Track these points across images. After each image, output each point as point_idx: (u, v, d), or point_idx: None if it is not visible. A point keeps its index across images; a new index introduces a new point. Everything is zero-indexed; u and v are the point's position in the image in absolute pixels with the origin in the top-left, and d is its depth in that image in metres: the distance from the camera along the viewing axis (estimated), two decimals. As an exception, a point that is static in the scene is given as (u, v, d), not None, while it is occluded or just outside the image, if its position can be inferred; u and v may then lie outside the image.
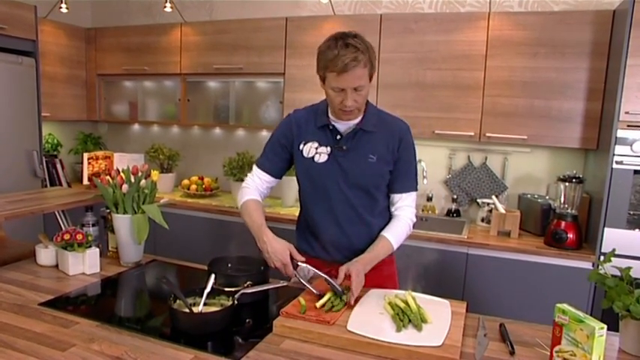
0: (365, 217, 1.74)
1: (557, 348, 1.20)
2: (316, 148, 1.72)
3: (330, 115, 1.72)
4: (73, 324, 1.38)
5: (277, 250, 1.60)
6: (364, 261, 1.61)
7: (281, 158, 1.80)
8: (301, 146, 1.74)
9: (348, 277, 1.53)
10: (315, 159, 1.72)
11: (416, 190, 1.79)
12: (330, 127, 1.71)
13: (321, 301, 1.48)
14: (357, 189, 1.71)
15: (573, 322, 1.16)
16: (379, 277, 1.71)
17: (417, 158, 1.83)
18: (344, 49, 1.51)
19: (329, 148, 1.71)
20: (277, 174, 1.84)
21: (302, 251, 1.79)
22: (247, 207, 1.77)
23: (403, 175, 1.74)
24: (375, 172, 1.70)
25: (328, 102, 1.68)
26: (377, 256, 1.67)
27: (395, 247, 1.71)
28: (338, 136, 1.70)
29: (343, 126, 1.70)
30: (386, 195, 1.78)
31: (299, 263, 1.59)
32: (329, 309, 1.45)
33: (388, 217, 1.79)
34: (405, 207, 1.76)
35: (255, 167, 1.85)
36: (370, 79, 1.59)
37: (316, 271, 1.56)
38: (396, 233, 1.72)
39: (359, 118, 1.70)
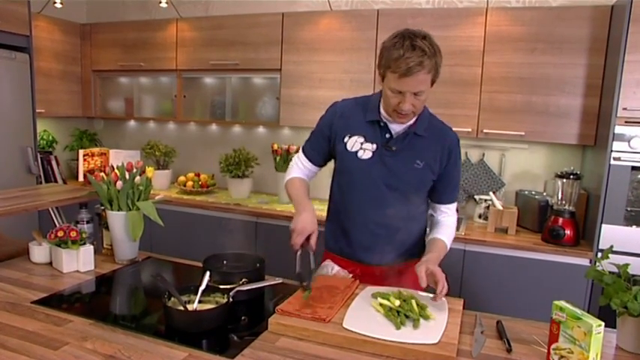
0: (397, 221, 1.67)
1: (554, 345, 1.20)
2: (361, 143, 1.64)
3: (382, 111, 1.63)
4: (66, 322, 1.37)
5: (300, 221, 1.55)
6: (434, 260, 1.56)
7: (322, 148, 1.76)
8: (346, 139, 1.67)
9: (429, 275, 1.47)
10: (359, 154, 1.64)
11: (455, 201, 1.77)
12: (382, 124, 1.63)
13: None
14: (396, 192, 1.64)
15: (571, 320, 1.16)
16: (410, 280, 1.65)
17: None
18: (410, 51, 1.42)
19: (375, 146, 1.63)
20: (319, 163, 1.81)
21: (329, 249, 1.78)
22: (292, 182, 1.76)
23: (451, 187, 1.72)
24: (418, 179, 1.65)
25: (384, 100, 1.59)
26: (440, 256, 1.63)
27: (448, 249, 1.69)
28: (388, 135, 1.63)
29: (397, 126, 1.63)
30: (423, 201, 1.74)
31: (307, 249, 1.54)
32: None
33: (423, 224, 1.77)
34: (451, 215, 1.75)
35: (300, 151, 1.83)
36: (432, 84, 1.51)
37: (316, 269, 1.54)
38: (449, 237, 1.71)
39: (412, 120, 1.62)
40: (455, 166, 1.69)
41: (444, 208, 1.74)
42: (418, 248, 1.75)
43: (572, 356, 1.15)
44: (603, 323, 1.13)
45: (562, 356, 1.18)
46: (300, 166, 1.81)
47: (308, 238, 1.54)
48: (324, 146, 1.75)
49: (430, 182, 1.68)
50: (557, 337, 1.19)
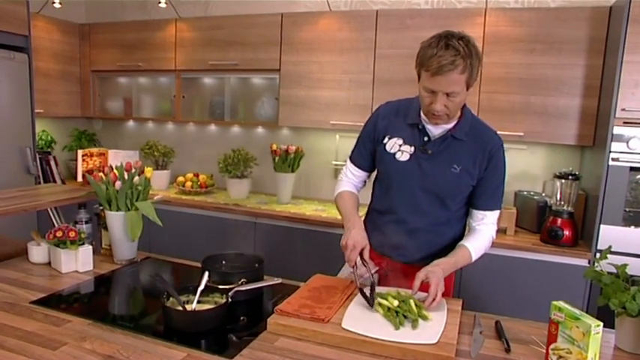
0: (432, 225, 1.66)
1: (552, 346, 1.20)
2: (400, 145, 1.64)
3: (422, 114, 1.62)
4: (64, 322, 1.37)
5: (351, 237, 1.55)
6: (444, 265, 1.53)
7: (369, 152, 1.75)
8: (385, 139, 1.67)
9: (426, 284, 1.45)
10: (397, 156, 1.64)
11: (500, 208, 1.69)
12: (420, 127, 1.62)
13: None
14: (431, 196, 1.62)
15: (569, 320, 1.16)
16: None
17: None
18: (443, 50, 1.41)
19: (413, 148, 1.62)
20: (369, 168, 1.79)
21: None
22: (341, 197, 1.76)
23: (490, 193, 1.65)
24: (455, 184, 1.60)
25: (420, 101, 1.58)
26: (456, 262, 1.59)
27: (474, 259, 1.62)
28: (426, 138, 1.61)
29: (435, 129, 1.61)
30: (461, 206, 1.69)
31: (362, 264, 1.55)
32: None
33: (459, 229, 1.72)
34: (488, 224, 1.67)
35: (348, 161, 1.83)
36: (468, 87, 1.48)
37: (366, 283, 1.53)
38: (477, 245, 1.62)
39: (452, 124, 1.60)
40: (495, 170, 1.62)
41: (479, 214, 1.67)
42: (448, 252, 1.70)
43: (571, 356, 1.15)
44: (602, 323, 1.13)
45: (561, 356, 1.18)
46: (348, 176, 1.81)
47: (361, 253, 1.55)
48: (370, 150, 1.74)
49: (468, 188, 1.63)
50: (556, 337, 1.19)
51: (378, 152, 1.70)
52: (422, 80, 1.50)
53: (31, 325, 1.33)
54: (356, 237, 1.55)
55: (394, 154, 1.65)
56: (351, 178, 1.81)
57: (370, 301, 1.45)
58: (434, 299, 1.41)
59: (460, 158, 1.59)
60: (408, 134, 1.64)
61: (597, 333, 1.12)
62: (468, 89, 1.49)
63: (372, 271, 1.68)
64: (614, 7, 2.51)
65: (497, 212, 1.68)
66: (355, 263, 1.54)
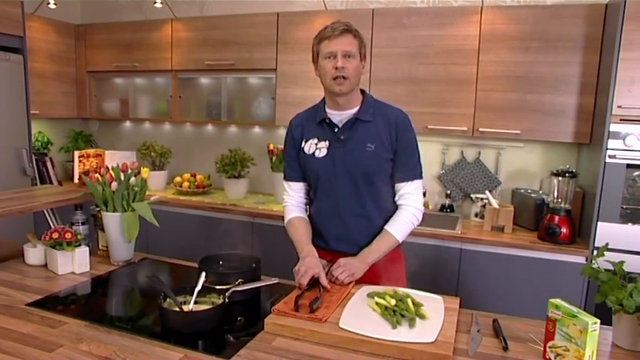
0: (367, 210, 1.74)
1: (550, 343, 1.20)
2: (316, 144, 1.76)
3: (327, 108, 1.76)
4: (61, 324, 1.36)
5: (304, 264, 1.61)
6: (362, 257, 1.67)
7: (298, 162, 1.83)
8: (303, 144, 1.79)
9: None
10: (316, 154, 1.75)
11: (420, 177, 1.77)
12: (327, 121, 1.74)
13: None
14: (358, 179, 1.71)
15: (567, 317, 1.16)
16: (387, 279, 1.73)
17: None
18: (336, 24, 1.65)
19: (327, 142, 1.74)
20: (302, 178, 1.86)
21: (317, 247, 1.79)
22: (291, 225, 1.84)
23: (404, 164, 1.73)
24: (374, 160, 1.70)
25: (323, 81, 1.70)
26: (378, 249, 1.69)
27: (399, 239, 1.72)
28: (335, 129, 1.73)
29: (339, 117, 1.74)
30: (389, 186, 1.77)
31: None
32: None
33: (393, 211, 1.78)
34: (407, 195, 1.75)
35: (284, 183, 1.90)
36: (361, 56, 1.68)
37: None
38: (399, 226, 1.72)
39: (356, 108, 1.72)
40: (405, 138, 1.72)
41: (398, 187, 1.76)
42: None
43: (568, 354, 1.16)
44: (599, 321, 1.13)
45: (558, 354, 1.18)
46: (291, 195, 1.89)
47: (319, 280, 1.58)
48: (296, 160, 1.83)
49: (388, 162, 1.72)
50: (554, 334, 1.19)
51: (301, 159, 1.80)
52: (321, 52, 1.67)
53: (27, 328, 1.33)
54: (309, 264, 1.61)
55: (313, 153, 1.76)
56: (293, 196, 1.88)
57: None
58: (332, 281, 1.58)
59: (371, 137, 1.70)
60: (320, 132, 1.76)
61: (594, 330, 1.12)
62: (361, 60, 1.69)
63: (327, 269, 1.70)
64: (610, 4, 2.52)
65: (416, 182, 1.76)
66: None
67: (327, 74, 1.67)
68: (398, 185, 1.76)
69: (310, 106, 1.86)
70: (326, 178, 1.75)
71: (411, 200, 1.75)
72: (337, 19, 1.76)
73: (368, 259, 1.67)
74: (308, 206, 1.91)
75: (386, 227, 1.73)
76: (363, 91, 1.77)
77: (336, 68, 1.63)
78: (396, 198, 1.77)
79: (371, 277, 1.69)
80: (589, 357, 1.13)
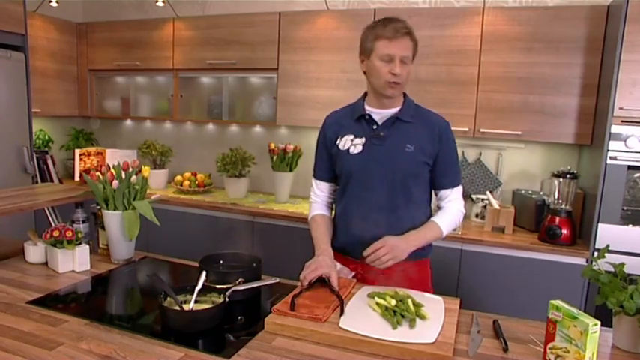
0: (398, 212, 1.68)
1: (550, 344, 1.20)
2: (352, 140, 1.71)
3: (366, 105, 1.72)
4: (61, 322, 1.36)
5: (315, 261, 1.59)
6: (409, 240, 1.61)
7: (327, 162, 1.81)
8: (338, 141, 1.74)
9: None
10: (351, 150, 1.70)
11: (460, 184, 1.76)
12: (367, 117, 1.70)
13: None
14: (392, 181, 1.66)
15: (567, 319, 1.16)
16: (412, 281, 1.66)
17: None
18: (394, 22, 1.59)
19: (364, 139, 1.69)
20: (331, 178, 1.84)
21: (334, 248, 1.76)
22: (313, 222, 1.82)
23: (449, 171, 1.72)
24: (412, 163, 1.66)
25: (373, 80, 1.65)
26: (424, 236, 1.66)
27: (444, 232, 1.69)
28: (374, 126, 1.69)
29: (379, 115, 1.70)
30: (424, 190, 1.74)
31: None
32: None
33: (425, 215, 1.74)
34: (454, 200, 1.74)
35: (312, 180, 1.88)
36: (413, 59, 1.64)
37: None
38: (446, 220, 1.70)
39: (397, 108, 1.69)
40: (448, 148, 1.70)
41: (443, 193, 1.74)
42: (424, 248, 1.72)
43: (569, 355, 1.15)
44: (599, 322, 1.13)
45: (558, 355, 1.18)
46: (317, 194, 1.86)
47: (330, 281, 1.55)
48: (327, 159, 1.80)
49: (426, 166, 1.68)
50: (554, 336, 1.19)
51: (334, 155, 1.76)
52: (377, 51, 1.60)
53: (28, 325, 1.33)
54: (321, 262, 1.59)
55: (348, 149, 1.71)
56: (320, 195, 1.86)
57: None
58: (373, 253, 1.54)
59: (411, 138, 1.66)
60: (357, 128, 1.72)
61: (595, 332, 1.12)
62: (412, 61, 1.64)
63: (350, 276, 1.69)
64: (612, 5, 2.51)
65: (459, 188, 1.75)
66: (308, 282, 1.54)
67: (380, 77, 1.61)
68: (443, 192, 1.74)
69: (346, 105, 1.82)
70: (359, 175, 1.69)
71: (457, 204, 1.74)
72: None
73: (414, 242, 1.62)
74: (332, 206, 1.88)
75: (433, 219, 1.70)
76: (404, 93, 1.73)
77: (393, 74, 1.58)
78: (440, 201, 1.75)
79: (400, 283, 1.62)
80: (589, 359, 1.13)
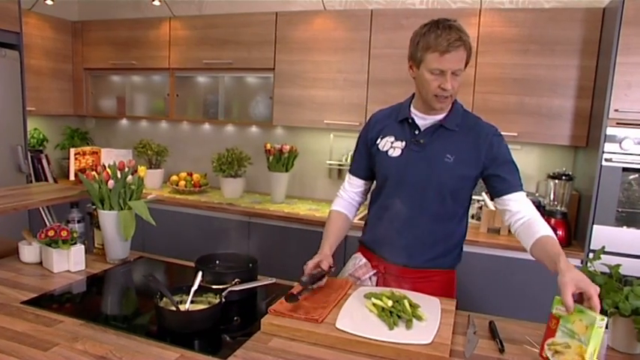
0: (429, 222, 1.62)
1: (549, 340, 1.19)
2: (392, 142, 1.66)
3: (412, 108, 1.66)
4: (56, 323, 1.35)
5: (314, 259, 1.59)
6: (569, 266, 1.30)
7: (364, 160, 1.77)
8: (378, 140, 1.70)
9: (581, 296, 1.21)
10: (389, 153, 1.65)
11: (523, 190, 1.61)
12: (410, 121, 1.64)
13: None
14: (427, 189, 1.59)
15: (574, 313, 1.15)
16: (432, 288, 1.61)
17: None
18: (447, 30, 1.47)
19: (404, 143, 1.63)
20: (364, 175, 1.80)
21: (361, 241, 1.79)
22: (328, 217, 1.80)
23: (509, 175, 1.58)
24: (450, 174, 1.57)
25: (421, 90, 1.58)
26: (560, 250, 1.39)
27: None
28: (416, 131, 1.63)
29: (423, 120, 1.63)
30: (461, 204, 1.66)
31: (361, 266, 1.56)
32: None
33: (457, 230, 1.69)
34: (526, 204, 1.57)
35: (347, 174, 1.85)
36: (465, 66, 1.53)
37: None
38: (549, 229, 1.50)
39: (443, 115, 1.61)
40: (501, 152, 1.59)
41: (511, 200, 1.58)
42: (450, 259, 1.70)
43: (569, 351, 1.14)
44: (606, 318, 1.12)
45: (557, 351, 1.17)
46: (345, 189, 1.83)
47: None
48: (365, 156, 1.76)
49: (466, 180, 1.60)
50: (555, 332, 1.18)
51: (373, 154, 1.71)
52: (427, 64, 1.51)
53: (22, 326, 1.32)
54: (318, 258, 1.59)
55: (387, 151, 1.66)
56: (348, 190, 1.83)
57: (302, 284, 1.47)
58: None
59: (453, 148, 1.58)
60: (399, 131, 1.66)
61: (601, 327, 1.10)
62: (465, 68, 1.54)
63: (370, 274, 1.69)
64: (608, 8, 2.53)
65: (523, 193, 1.61)
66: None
67: (429, 90, 1.53)
68: (503, 198, 1.58)
69: (394, 104, 1.76)
70: (394, 179, 1.63)
71: (534, 210, 1.57)
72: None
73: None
74: (360, 205, 1.85)
75: (547, 233, 1.48)
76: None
77: (443, 89, 1.50)
78: (510, 207, 1.58)
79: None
80: (591, 354, 1.11)
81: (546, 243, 1.45)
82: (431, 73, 1.51)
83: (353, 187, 1.82)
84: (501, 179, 1.59)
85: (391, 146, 1.65)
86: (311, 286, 1.50)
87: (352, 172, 1.82)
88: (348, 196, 1.83)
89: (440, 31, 1.47)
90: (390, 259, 1.68)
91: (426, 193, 1.60)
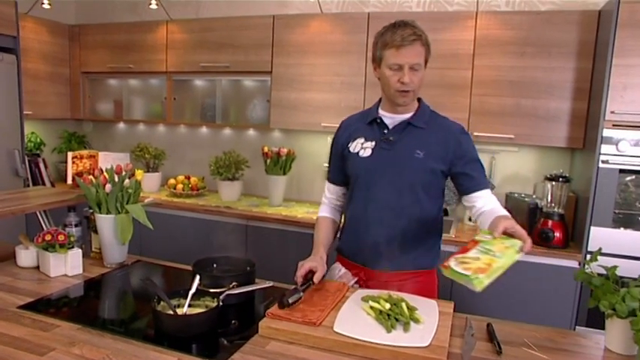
0: (405, 221, 1.63)
1: (459, 255, 1.25)
2: (362, 144, 1.70)
3: (380, 109, 1.71)
4: (53, 327, 1.35)
5: (307, 261, 1.59)
6: (509, 218, 1.45)
7: (339, 165, 1.80)
8: (349, 143, 1.74)
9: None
10: (360, 154, 1.68)
11: (489, 187, 1.66)
12: (378, 121, 1.69)
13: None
14: (400, 185, 1.62)
15: (497, 238, 1.22)
16: (415, 290, 1.62)
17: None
18: (402, 27, 1.56)
19: (374, 143, 1.67)
20: (341, 181, 1.82)
21: (339, 250, 1.81)
22: (317, 223, 1.83)
23: (476, 173, 1.63)
24: (422, 169, 1.61)
25: (384, 87, 1.64)
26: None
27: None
28: (385, 130, 1.67)
29: (391, 119, 1.68)
30: (434, 202, 1.68)
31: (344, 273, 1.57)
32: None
33: (433, 230, 1.70)
34: (489, 202, 1.62)
35: (325, 182, 1.88)
36: (425, 63, 1.60)
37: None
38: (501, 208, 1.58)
39: (410, 114, 1.67)
40: (468, 150, 1.64)
41: (479, 195, 1.63)
42: (430, 259, 1.71)
43: (476, 262, 1.19)
44: (523, 253, 1.25)
45: (462, 262, 1.20)
46: (326, 196, 1.87)
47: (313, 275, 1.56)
48: (338, 162, 1.80)
49: (437, 174, 1.63)
50: (469, 250, 1.24)
51: (345, 157, 1.75)
52: (385, 61, 1.58)
53: (19, 331, 1.31)
54: (309, 261, 1.59)
55: (357, 152, 1.70)
56: (329, 197, 1.87)
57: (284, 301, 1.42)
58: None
59: (423, 144, 1.63)
60: (369, 131, 1.71)
61: (519, 253, 1.22)
62: (425, 66, 1.61)
63: (351, 283, 1.69)
64: (603, 11, 2.54)
65: (489, 191, 1.66)
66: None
67: (390, 86, 1.60)
68: (471, 196, 1.63)
69: (365, 109, 1.82)
70: (365, 178, 1.66)
71: (497, 203, 1.62)
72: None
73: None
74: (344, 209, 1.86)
75: (496, 212, 1.54)
76: (419, 99, 1.71)
77: (402, 82, 1.56)
78: (476, 204, 1.63)
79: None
80: (499, 267, 1.20)
81: (499, 213, 1.54)
82: (390, 68, 1.58)
83: (332, 193, 1.86)
84: (469, 177, 1.64)
85: (362, 147, 1.69)
86: (290, 299, 1.45)
87: (329, 179, 1.87)
88: (330, 202, 1.87)
89: (395, 29, 1.56)
90: (369, 265, 1.69)
91: (399, 191, 1.63)
